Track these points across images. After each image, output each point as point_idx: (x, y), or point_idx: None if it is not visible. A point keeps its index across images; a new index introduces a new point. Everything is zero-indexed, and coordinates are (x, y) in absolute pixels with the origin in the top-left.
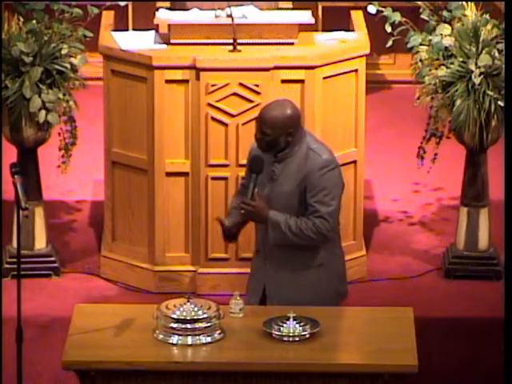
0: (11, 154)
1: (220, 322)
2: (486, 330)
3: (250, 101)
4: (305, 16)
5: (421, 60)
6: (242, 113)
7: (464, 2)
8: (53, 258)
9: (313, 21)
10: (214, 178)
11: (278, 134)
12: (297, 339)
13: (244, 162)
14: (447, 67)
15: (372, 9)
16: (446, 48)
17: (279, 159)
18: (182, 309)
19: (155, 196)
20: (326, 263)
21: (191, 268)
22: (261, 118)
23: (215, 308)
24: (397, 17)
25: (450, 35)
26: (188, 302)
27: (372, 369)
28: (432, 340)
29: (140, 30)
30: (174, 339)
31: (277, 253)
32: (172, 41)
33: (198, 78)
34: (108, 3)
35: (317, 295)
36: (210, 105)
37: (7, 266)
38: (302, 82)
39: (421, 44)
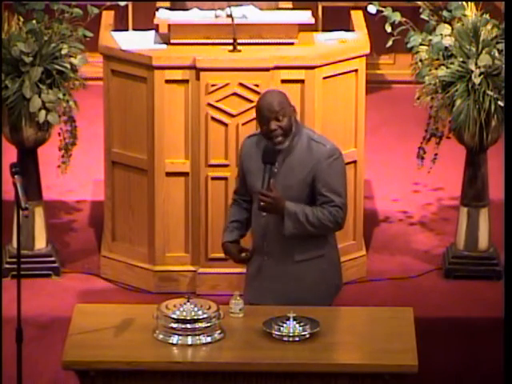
0: (11, 154)
1: (220, 322)
2: (486, 329)
3: (250, 101)
4: (305, 16)
5: (421, 60)
6: (242, 113)
7: (464, 2)
8: (53, 258)
9: (313, 21)
10: (213, 178)
11: (289, 112)
12: (297, 339)
13: None
14: (447, 67)
15: (372, 9)
16: (446, 48)
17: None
18: (182, 309)
19: (155, 196)
20: (326, 254)
21: (191, 268)
22: (268, 106)
23: (215, 308)
24: (397, 17)
25: (450, 35)
26: (188, 301)
27: (372, 369)
28: (432, 340)
29: (140, 30)
30: (174, 339)
31: (277, 247)
32: (172, 41)
33: (197, 78)
34: (108, 3)
35: (316, 288)
36: (210, 105)
37: (7, 265)
38: (301, 81)
39: (421, 44)
